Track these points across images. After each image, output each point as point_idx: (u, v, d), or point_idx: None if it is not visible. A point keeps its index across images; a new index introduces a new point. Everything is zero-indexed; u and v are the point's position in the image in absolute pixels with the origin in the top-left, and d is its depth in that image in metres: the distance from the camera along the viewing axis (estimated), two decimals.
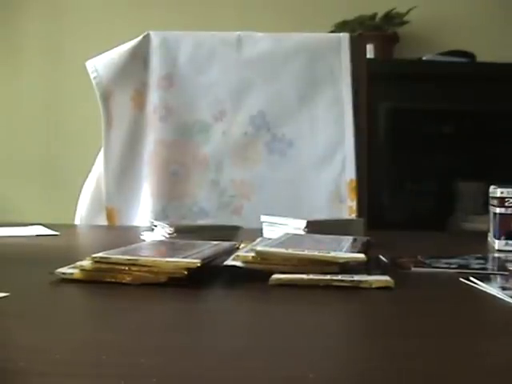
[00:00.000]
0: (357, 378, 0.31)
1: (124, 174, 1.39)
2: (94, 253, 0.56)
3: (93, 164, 1.45)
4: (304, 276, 0.55)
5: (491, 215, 0.90)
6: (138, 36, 1.40)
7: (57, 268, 0.56)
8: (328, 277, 0.54)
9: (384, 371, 0.32)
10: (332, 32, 2.09)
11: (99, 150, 1.41)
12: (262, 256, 0.57)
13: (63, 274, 0.55)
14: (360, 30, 2.21)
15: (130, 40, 1.40)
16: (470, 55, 2.22)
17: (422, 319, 0.44)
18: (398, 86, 2.06)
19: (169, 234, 0.84)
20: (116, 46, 1.39)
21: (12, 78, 2.49)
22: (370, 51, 2.13)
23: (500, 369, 0.32)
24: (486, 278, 0.57)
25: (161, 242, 0.77)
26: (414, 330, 0.41)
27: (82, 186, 1.45)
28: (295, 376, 0.31)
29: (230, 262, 0.58)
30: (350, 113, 1.38)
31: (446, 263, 0.68)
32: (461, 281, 0.58)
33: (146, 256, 0.57)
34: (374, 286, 0.53)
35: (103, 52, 1.39)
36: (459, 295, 0.53)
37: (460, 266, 0.66)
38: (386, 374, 0.31)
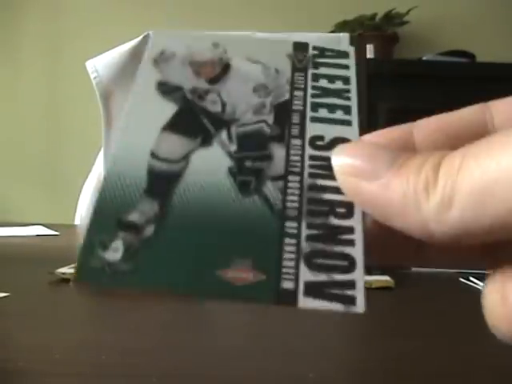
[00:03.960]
0: (357, 378, 0.31)
1: None
2: None
3: (93, 164, 1.45)
4: None
5: None
6: (137, 36, 1.40)
7: (57, 268, 0.56)
8: None
9: (384, 371, 0.32)
10: (332, 32, 2.08)
11: (99, 150, 1.41)
12: None
13: (63, 274, 0.55)
14: (360, 30, 2.21)
15: (130, 40, 1.40)
16: (469, 55, 2.22)
17: (421, 319, 0.44)
18: (398, 86, 2.06)
19: None
20: (116, 46, 1.39)
21: (12, 78, 2.50)
22: (369, 51, 2.13)
23: (500, 369, 0.32)
24: (485, 278, 0.57)
25: None
26: (413, 330, 0.41)
27: (82, 186, 1.45)
28: (295, 376, 0.31)
29: None
30: None
31: None
32: (461, 281, 0.58)
33: None
34: (373, 286, 0.53)
35: (103, 52, 1.39)
36: (459, 295, 0.53)
37: None
38: (386, 374, 0.31)
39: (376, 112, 1.99)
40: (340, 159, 0.23)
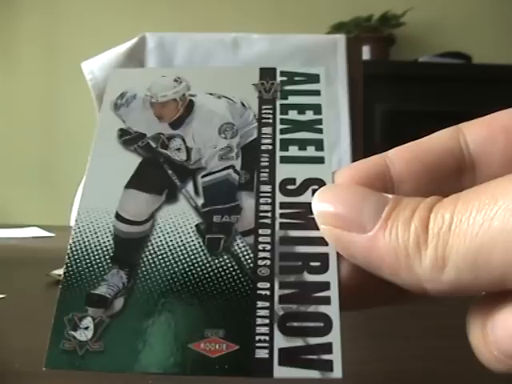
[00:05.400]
0: (356, 379, 0.31)
1: None
2: None
3: None
4: None
5: None
6: (134, 36, 1.40)
7: (53, 269, 0.56)
8: None
9: (383, 372, 0.32)
10: (328, 33, 2.09)
11: None
12: None
13: (59, 275, 0.55)
14: (356, 31, 2.21)
15: (127, 41, 1.40)
16: (465, 57, 2.22)
17: (421, 320, 0.44)
18: (394, 87, 2.06)
19: None
20: (112, 47, 1.39)
21: (9, 78, 2.49)
22: (366, 53, 2.13)
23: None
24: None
25: None
26: (413, 331, 0.41)
27: (77, 187, 1.45)
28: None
29: None
30: (345, 114, 1.38)
31: None
32: None
33: None
34: None
35: (100, 51, 1.39)
36: (459, 297, 0.53)
37: None
38: (385, 375, 0.31)
39: (372, 113, 2.00)
40: (321, 206, 0.22)
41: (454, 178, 0.24)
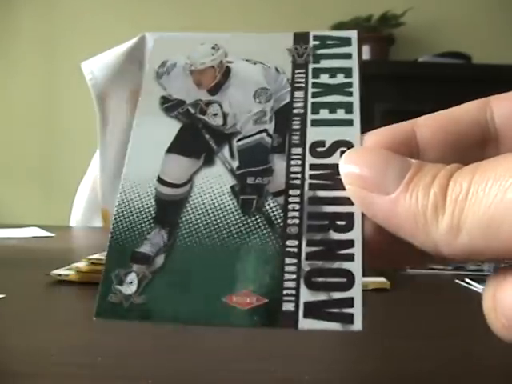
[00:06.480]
0: (352, 380, 0.31)
1: (119, 175, 1.38)
2: (90, 254, 0.55)
3: (88, 165, 1.44)
4: None
5: None
6: (134, 36, 1.40)
7: (52, 269, 0.56)
8: None
9: (380, 373, 0.32)
10: None
11: (94, 152, 1.41)
12: None
13: (59, 275, 0.55)
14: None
15: (126, 40, 1.40)
16: (465, 57, 2.22)
17: (417, 321, 0.44)
18: (394, 87, 2.06)
19: None
20: (112, 47, 1.39)
21: (7, 78, 2.49)
22: (365, 52, 2.14)
23: (494, 370, 0.32)
24: (481, 280, 0.57)
25: None
26: (409, 332, 0.41)
27: (77, 188, 1.45)
28: (291, 378, 0.31)
29: None
30: None
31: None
32: (456, 282, 0.58)
33: None
34: (370, 287, 0.53)
35: (99, 52, 1.39)
36: (455, 297, 0.53)
37: (456, 268, 0.66)
38: (382, 375, 0.31)
39: (372, 113, 1.99)
40: (348, 168, 0.23)
41: (477, 148, 0.25)
